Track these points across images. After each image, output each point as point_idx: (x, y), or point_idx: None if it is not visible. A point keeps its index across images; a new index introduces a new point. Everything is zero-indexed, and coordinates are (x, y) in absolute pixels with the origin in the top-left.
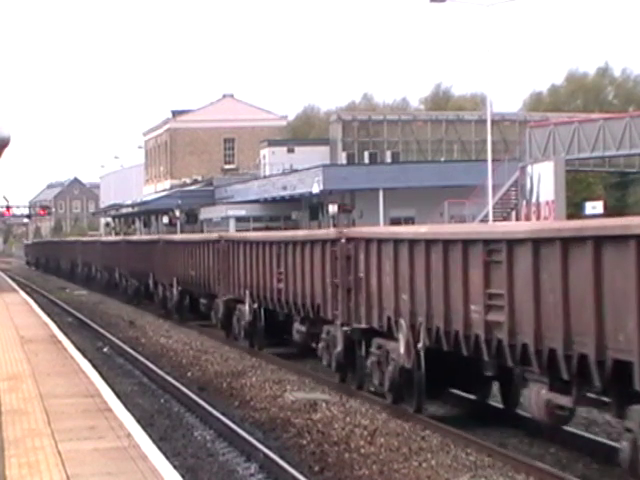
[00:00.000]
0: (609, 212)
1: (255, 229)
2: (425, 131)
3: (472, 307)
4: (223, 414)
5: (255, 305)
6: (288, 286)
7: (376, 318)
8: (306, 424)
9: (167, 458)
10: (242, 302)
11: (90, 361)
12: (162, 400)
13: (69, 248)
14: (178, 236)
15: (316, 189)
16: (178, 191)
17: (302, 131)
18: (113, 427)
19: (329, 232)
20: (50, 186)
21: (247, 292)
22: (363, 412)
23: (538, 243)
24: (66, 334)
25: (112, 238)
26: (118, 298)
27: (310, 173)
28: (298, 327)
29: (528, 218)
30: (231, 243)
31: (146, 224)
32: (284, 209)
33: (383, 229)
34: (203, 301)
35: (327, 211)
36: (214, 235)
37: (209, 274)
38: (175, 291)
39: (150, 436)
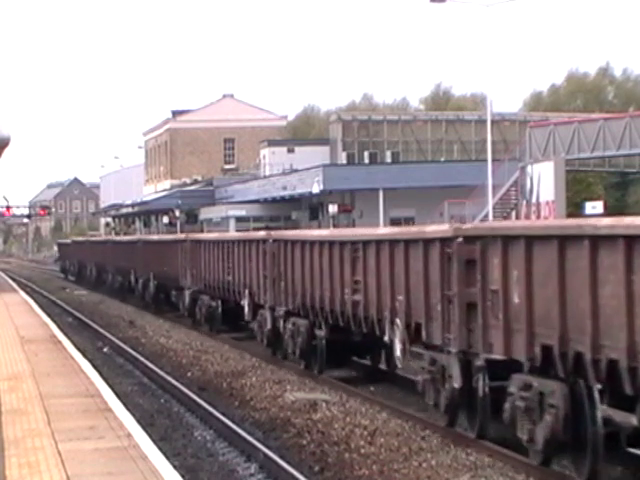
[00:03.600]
0: (609, 212)
1: (255, 229)
2: (425, 131)
3: None
4: (223, 414)
5: (316, 320)
6: (368, 298)
7: (522, 348)
8: (306, 424)
9: (167, 458)
10: (297, 315)
11: (90, 361)
12: (162, 400)
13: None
14: (211, 235)
15: (316, 189)
16: (178, 191)
17: (302, 131)
18: (113, 427)
19: (438, 228)
20: (50, 186)
21: (306, 303)
22: (363, 412)
23: None
24: (66, 334)
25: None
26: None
27: (310, 173)
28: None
29: (528, 218)
30: (282, 243)
31: (146, 224)
32: (284, 209)
33: (532, 223)
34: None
35: (327, 211)
36: (260, 233)
37: (251, 280)
38: (206, 299)
39: (150, 436)
